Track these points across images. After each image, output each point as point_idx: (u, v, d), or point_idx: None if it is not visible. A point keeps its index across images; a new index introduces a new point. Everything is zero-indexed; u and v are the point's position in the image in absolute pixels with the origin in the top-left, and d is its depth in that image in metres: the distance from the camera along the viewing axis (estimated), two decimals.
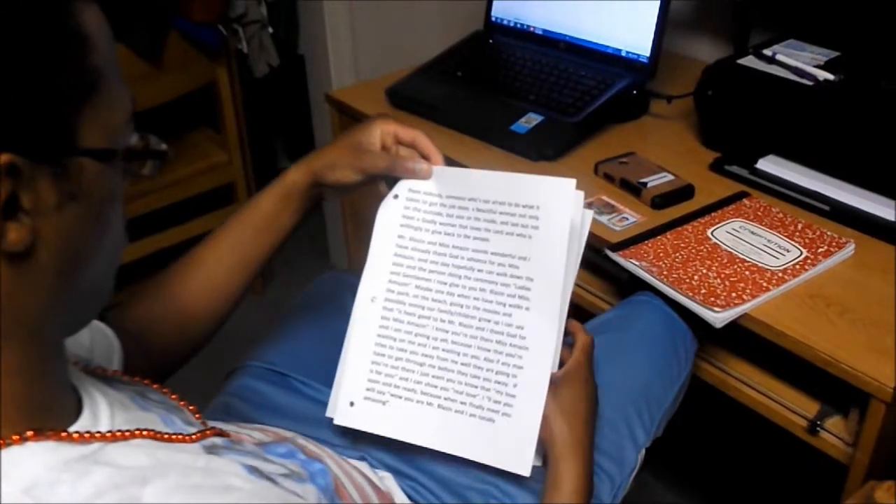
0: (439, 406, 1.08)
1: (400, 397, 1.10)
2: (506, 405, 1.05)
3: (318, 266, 2.81)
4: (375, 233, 1.15)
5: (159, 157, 0.71)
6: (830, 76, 1.52)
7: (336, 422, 1.12)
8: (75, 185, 0.62)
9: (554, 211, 1.07)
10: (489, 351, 1.07)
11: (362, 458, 1.16)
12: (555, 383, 1.04)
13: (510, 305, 1.07)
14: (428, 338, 1.10)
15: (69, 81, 0.61)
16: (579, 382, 1.05)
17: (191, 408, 0.86)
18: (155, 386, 0.85)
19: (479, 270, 1.09)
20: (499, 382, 1.06)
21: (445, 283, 1.11)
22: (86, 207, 0.63)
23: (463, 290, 1.10)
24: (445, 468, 1.15)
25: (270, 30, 2.60)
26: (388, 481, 1.15)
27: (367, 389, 1.11)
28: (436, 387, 1.09)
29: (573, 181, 1.07)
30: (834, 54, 1.63)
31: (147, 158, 0.70)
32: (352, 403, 1.12)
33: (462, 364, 1.08)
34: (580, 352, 1.08)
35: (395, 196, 1.15)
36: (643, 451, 1.24)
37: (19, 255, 0.60)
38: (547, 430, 1.03)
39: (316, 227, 2.97)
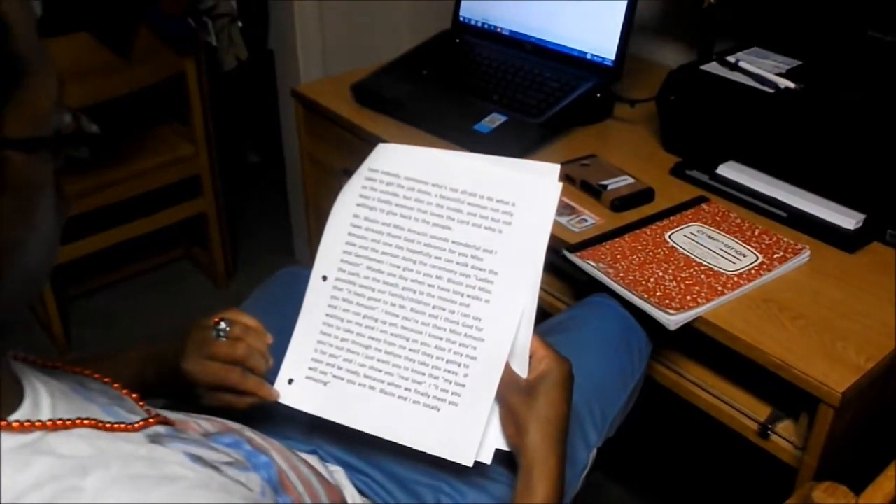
0: (381, 391, 1.07)
1: (342, 379, 1.09)
2: (454, 394, 1.04)
3: (282, 261, 2.79)
4: (332, 211, 1.14)
5: (90, 141, 0.69)
6: (791, 84, 1.53)
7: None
8: None
9: (533, 210, 1.05)
10: (441, 339, 1.06)
11: (313, 452, 1.16)
12: (528, 389, 1.03)
13: (468, 296, 1.06)
14: (376, 321, 1.09)
15: None
16: (552, 387, 1.03)
17: (133, 396, 0.85)
18: (96, 376, 0.84)
19: (436, 258, 1.08)
20: (449, 371, 1.05)
21: (398, 267, 1.09)
22: (12, 198, 0.61)
23: (417, 276, 1.08)
24: (397, 463, 1.15)
25: (240, 24, 2.59)
26: (338, 475, 1.15)
27: (310, 369, 1.11)
28: (380, 371, 1.08)
29: (556, 176, 1.06)
30: (796, 63, 1.64)
31: (78, 143, 0.68)
32: (290, 381, 1.11)
33: (410, 350, 1.07)
34: (551, 358, 1.05)
35: (356, 175, 1.13)
36: (594, 451, 1.24)
37: None
38: (520, 437, 1.02)
39: (280, 223, 2.97)
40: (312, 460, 1.12)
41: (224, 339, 1.09)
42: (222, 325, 1.09)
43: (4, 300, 0.64)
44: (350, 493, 1.13)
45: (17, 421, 0.64)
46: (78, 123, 0.67)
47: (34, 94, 0.62)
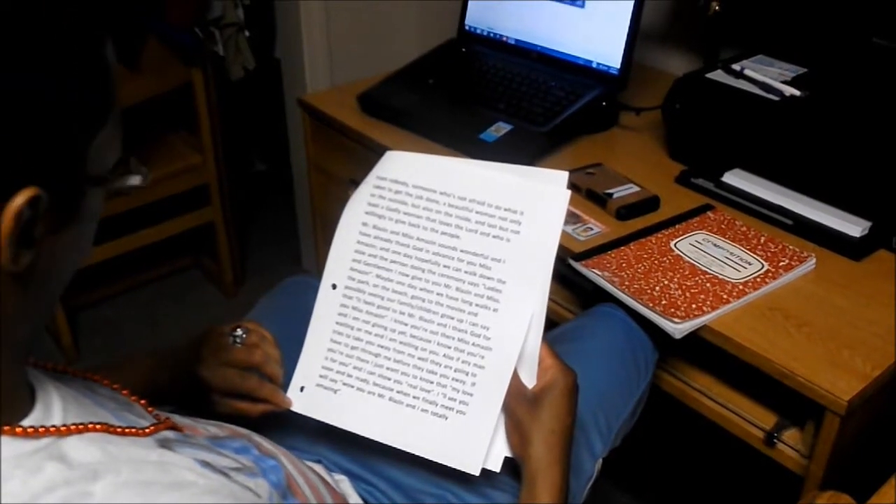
0: (391, 399, 1.07)
1: (352, 387, 1.10)
2: (461, 403, 1.04)
3: (289, 271, 2.79)
4: (342, 219, 1.14)
5: (139, 181, 0.71)
6: (796, 92, 1.53)
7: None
8: (74, 209, 0.64)
9: (541, 219, 1.05)
10: (449, 348, 1.06)
11: (318, 461, 1.16)
12: (533, 399, 1.03)
13: (477, 305, 1.06)
14: (385, 329, 1.10)
15: (93, 114, 0.63)
16: (557, 398, 1.03)
17: (142, 402, 0.86)
18: (105, 382, 0.85)
19: (444, 266, 1.08)
20: (456, 380, 1.05)
21: (407, 276, 1.09)
22: (78, 229, 0.65)
23: (426, 284, 1.08)
24: (401, 472, 1.15)
25: (247, 33, 2.60)
26: (343, 484, 1.15)
27: (321, 377, 1.11)
28: (389, 379, 1.08)
29: (565, 184, 1.05)
30: (801, 71, 1.64)
31: (127, 182, 0.71)
32: (302, 389, 1.12)
33: (419, 358, 1.07)
34: (557, 369, 1.05)
35: (364, 183, 1.13)
36: (600, 461, 1.24)
37: (18, 275, 0.61)
38: (525, 447, 1.02)
39: (288, 232, 2.97)
40: (319, 469, 1.12)
41: (241, 345, 1.10)
42: (239, 332, 1.11)
43: (37, 317, 0.68)
44: (354, 501, 1.13)
45: (30, 426, 0.65)
46: (128, 163, 0.71)
47: (111, 134, 0.66)
